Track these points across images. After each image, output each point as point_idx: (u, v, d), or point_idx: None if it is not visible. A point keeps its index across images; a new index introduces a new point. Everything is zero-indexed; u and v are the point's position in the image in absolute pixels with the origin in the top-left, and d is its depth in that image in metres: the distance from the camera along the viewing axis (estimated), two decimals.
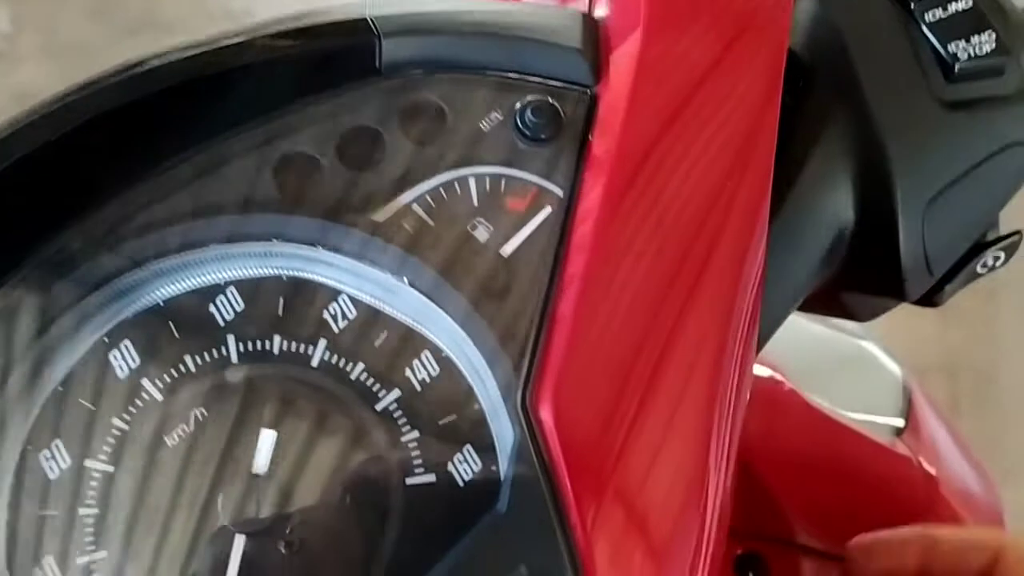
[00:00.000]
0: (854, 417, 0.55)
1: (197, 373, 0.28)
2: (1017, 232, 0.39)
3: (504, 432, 0.28)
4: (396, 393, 0.28)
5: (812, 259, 0.35)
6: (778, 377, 0.55)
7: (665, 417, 0.27)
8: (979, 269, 0.38)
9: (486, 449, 0.28)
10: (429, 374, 0.28)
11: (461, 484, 0.28)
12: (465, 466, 0.28)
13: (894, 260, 0.35)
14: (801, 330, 0.62)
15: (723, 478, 0.28)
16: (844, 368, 0.59)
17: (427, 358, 0.28)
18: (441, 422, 0.28)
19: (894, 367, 0.59)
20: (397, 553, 0.27)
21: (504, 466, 0.27)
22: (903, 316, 0.42)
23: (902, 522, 0.50)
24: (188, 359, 0.28)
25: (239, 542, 0.27)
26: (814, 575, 0.49)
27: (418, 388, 0.28)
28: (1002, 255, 0.38)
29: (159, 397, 0.28)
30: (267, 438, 0.28)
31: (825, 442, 0.53)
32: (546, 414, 0.26)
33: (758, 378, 0.54)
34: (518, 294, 0.28)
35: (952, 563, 0.41)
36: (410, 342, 0.29)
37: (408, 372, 0.28)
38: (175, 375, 0.28)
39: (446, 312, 0.28)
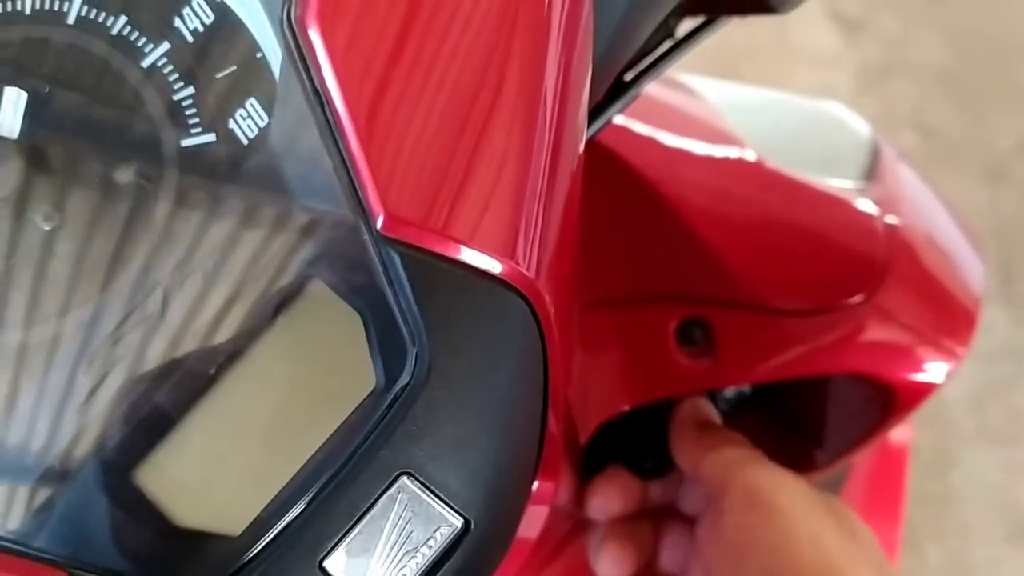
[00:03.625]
0: (819, 180, 0.50)
1: None
2: None
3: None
4: (165, 46, 0.24)
5: None
6: (736, 143, 0.50)
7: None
8: None
9: (272, 101, 0.24)
10: (202, 22, 0.24)
11: (245, 142, 0.24)
12: (249, 122, 0.24)
13: None
14: (762, 96, 0.57)
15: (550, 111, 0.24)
16: (808, 131, 0.54)
17: (199, 5, 0.24)
18: (219, 75, 0.24)
19: (861, 127, 0.53)
20: (170, 223, 0.24)
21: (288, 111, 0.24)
22: None
23: (856, 273, 0.46)
24: None
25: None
26: (763, 332, 0.45)
27: (190, 39, 0.24)
28: None
29: None
30: (11, 96, 0.24)
31: (780, 201, 0.49)
32: (314, 33, 0.22)
33: (712, 146, 0.50)
34: None
35: None
36: None
37: (178, 21, 0.24)
38: None
39: None
